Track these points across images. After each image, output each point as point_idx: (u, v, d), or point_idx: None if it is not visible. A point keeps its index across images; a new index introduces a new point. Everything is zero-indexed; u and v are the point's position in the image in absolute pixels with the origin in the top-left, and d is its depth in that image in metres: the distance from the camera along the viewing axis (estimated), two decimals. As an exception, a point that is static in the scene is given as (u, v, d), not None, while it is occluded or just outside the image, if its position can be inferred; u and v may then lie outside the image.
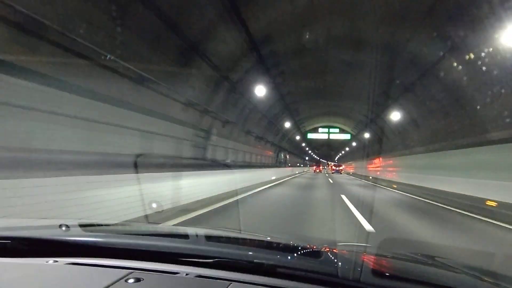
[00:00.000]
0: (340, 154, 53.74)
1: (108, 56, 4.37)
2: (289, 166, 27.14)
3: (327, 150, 57.12)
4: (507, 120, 6.26)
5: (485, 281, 0.81)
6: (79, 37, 3.94)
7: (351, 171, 38.21)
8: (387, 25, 7.38)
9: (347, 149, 38.73)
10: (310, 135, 28.48)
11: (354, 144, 30.07)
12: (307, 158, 55.80)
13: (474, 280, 0.84)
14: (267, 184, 12.54)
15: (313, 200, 8.15)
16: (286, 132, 23.19)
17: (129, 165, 4.08)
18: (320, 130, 28.09)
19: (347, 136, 27.85)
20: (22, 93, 3.54)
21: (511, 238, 4.62)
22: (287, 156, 27.34)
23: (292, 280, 0.71)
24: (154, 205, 4.02)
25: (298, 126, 24.18)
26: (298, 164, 39.55)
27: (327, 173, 35.69)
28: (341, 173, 38.55)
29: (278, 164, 23.57)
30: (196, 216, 4.82)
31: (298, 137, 27.74)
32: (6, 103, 3.37)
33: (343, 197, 8.76)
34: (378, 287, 0.69)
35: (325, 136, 28.08)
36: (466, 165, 8.57)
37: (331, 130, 27.96)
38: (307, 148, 45.04)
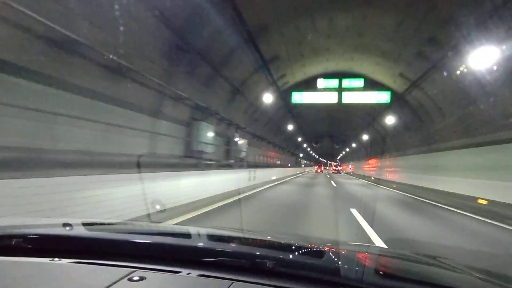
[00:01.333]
0: (347, 150, 38.09)
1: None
2: (251, 167, 11.52)
3: (329, 143, 41.33)
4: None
5: (487, 282, 0.80)
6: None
7: (372, 175, 22.48)
8: None
9: (364, 138, 22.84)
10: (299, 96, 12.65)
11: (391, 121, 14.29)
12: (301, 155, 40.30)
13: (477, 280, 0.83)
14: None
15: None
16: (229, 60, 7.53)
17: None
18: (321, 83, 12.33)
19: (382, 96, 12.02)
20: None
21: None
22: (240, 143, 11.42)
23: (294, 280, 0.70)
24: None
25: (263, 61, 8.62)
26: (279, 162, 23.62)
27: (328, 174, 29.63)
28: (340, 173, 39.26)
29: (194, 163, 7.66)
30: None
31: (269, 99, 11.81)
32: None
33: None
34: (381, 287, 0.69)
35: (331, 98, 12.34)
36: None
37: (347, 82, 12.19)
38: (299, 139, 29.18)
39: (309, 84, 12.73)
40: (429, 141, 11.89)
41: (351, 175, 33.12)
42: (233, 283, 0.68)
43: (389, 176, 17.56)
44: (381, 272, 0.78)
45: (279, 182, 14.60)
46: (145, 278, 0.69)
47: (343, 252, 1.06)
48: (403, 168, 15.48)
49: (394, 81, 11.42)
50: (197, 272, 0.73)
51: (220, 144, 9.81)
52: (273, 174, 15.46)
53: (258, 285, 0.68)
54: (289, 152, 29.96)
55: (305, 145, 37.67)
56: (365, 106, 15.21)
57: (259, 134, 15.12)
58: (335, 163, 53.39)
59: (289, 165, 27.85)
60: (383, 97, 12.04)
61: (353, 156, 36.31)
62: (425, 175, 12.33)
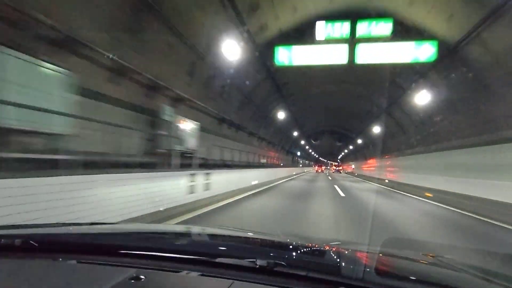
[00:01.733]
0: (350, 148, 33.49)
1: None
2: (211, 166, 7.12)
3: (330, 140, 36.59)
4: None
5: (487, 281, 0.79)
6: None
7: (385, 177, 17.70)
8: None
9: (376, 131, 17.97)
10: (286, 54, 7.91)
11: (423, 99, 9.59)
12: (298, 153, 36.02)
13: (476, 279, 0.82)
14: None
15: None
16: None
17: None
18: (322, 31, 7.57)
19: (422, 51, 7.23)
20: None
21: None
22: (180, 125, 6.59)
23: (295, 279, 0.70)
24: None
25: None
26: (265, 161, 18.64)
27: (329, 176, 24.79)
28: (340, 172, 40.64)
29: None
30: None
31: (235, 53, 7.01)
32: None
33: None
34: (381, 286, 0.68)
35: (338, 56, 7.61)
36: None
37: (364, 28, 7.43)
38: (295, 133, 24.32)
39: (303, 33, 7.93)
40: (499, 125, 7.12)
41: (355, 176, 28.51)
42: (234, 282, 0.67)
43: (413, 180, 12.72)
44: (381, 271, 0.76)
45: (260, 189, 9.81)
46: (146, 278, 0.68)
47: (343, 252, 1.06)
48: (439, 169, 10.63)
49: (447, 20, 6.63)
50: (197, 271, 0.73)
51: (123, 123, 4.95)
52: (254, 177, 10.65)
53: (258, 285, 0.68)
54: (283, 150, 25.17)
55: (302, 142, 32.95)
56: (382, 81, 10.41)
57: (231, 119, 10.28)
58: (335, 163, 53.53)
59: (282, 164, 23.11)
60: (425, 51, 7.26)
61: (357, 155, 31.63)
62: (487, 180, 7.57)
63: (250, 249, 0.95)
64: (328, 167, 55.98)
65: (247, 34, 6.94)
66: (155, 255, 0.80)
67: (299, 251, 1.00)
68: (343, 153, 45.35)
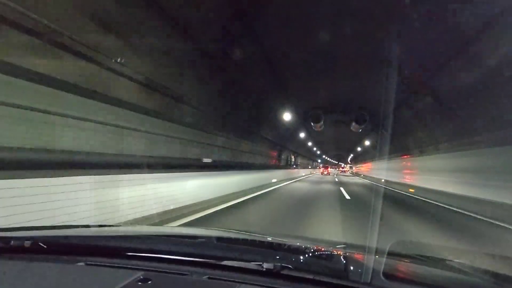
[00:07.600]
0: (358, 151, 39.71)
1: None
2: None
3: (336, 148, 42.77)
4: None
5: (497, 285, 0.78)
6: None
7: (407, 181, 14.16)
8: None
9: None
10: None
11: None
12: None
13: (487, 283, 0.82)
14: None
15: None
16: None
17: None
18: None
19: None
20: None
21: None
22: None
23: (301, 282, 0.71)
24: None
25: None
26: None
27: (336, 178, 25.47)
28: (345, 173, 43.50)
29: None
30: None
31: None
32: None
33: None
34: None
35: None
36: None
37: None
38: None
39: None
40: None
41: (365, 177, 29.61)
42: (240, 286, 0.69)
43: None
44: (389, 275, 0.75)
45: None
46: (153, 280, 0.71)
47: (350, 255, 1.06)
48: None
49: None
50: (204, 274, 0.75)
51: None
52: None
53: None
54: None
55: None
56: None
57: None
58: (343, 165, 54.72)
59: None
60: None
61: (359, 160, 36.35)
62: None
63: (257, 252, 0.96)
64: (337, 169, 54.36)
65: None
66: (162, 257, 0.82)
67: (305, 254, 1.01)
68: (350, 157, 49.05)
